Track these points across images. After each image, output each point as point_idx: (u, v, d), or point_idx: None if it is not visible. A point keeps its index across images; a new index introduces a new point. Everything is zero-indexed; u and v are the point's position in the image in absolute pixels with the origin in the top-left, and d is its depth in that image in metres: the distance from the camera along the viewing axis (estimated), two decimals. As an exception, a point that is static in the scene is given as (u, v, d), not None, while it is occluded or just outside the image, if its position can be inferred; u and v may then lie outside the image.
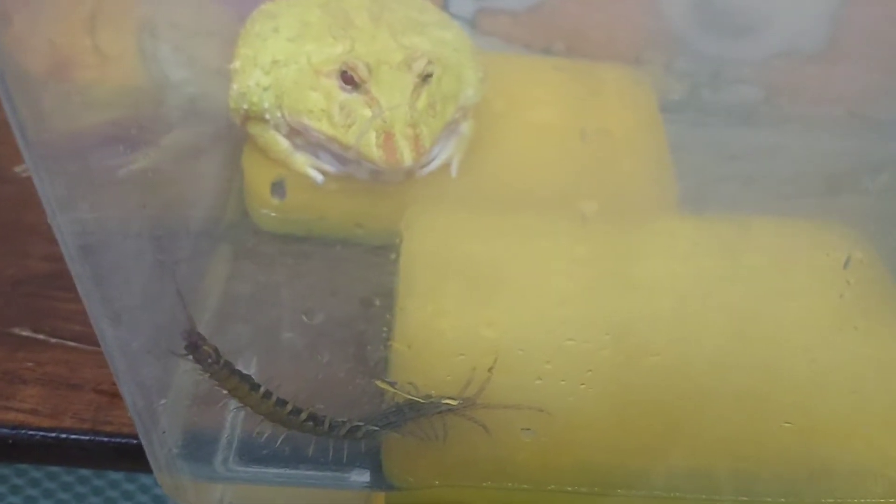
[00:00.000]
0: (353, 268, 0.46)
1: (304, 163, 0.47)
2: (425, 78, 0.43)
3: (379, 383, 0.34)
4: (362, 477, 0.37)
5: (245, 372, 0.31)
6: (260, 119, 0.46)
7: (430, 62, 0.43)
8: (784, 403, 0.35)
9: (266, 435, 0.35)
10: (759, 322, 0.38)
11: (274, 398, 0.31)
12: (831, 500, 0.33)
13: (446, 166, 0.47)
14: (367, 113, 0.42)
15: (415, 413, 0.33)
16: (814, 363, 0.36)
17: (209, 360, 0.29)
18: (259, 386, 0.31)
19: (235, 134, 0.49)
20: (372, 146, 0.42)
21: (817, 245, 0.44)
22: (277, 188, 0.47)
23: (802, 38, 0.60)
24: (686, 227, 0.44)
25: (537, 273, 0.41)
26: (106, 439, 0.43)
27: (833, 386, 0.36)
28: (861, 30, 0.58)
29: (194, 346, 0.29)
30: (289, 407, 0.31)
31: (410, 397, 0.33)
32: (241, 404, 0.31)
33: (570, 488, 0.33)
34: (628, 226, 0.44)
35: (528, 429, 0.33)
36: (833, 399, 0.35)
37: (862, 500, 0.33)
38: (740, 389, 0.35)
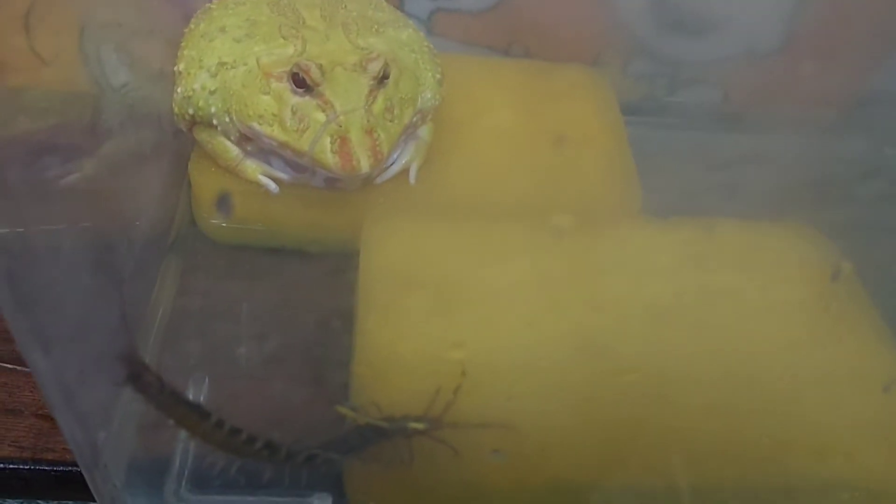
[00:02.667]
0: (310, 280, 0.45)
1: (255, 171, 0.44)
2: (381, 80, 0.41)
3: (339, 409, 0.32)
4: (324, 502, 0.35)
5: (194, 400, 0.28)
6: (207, 125, 0.44)
7: (386, 63, 0.41)
8: (759, 416, 0.34)
9: (220, 463, 0.33)
10: (731, 331, 0.37)
11: (227, 427, 0.29)
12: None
13: (404, 173, 0.46)
14: (321, 117, 0.40)
15: (378, 437, 0.31)
16: (788, 372, 0.36)
17: (153, 390, 0.27)
18: (209, 414, 0.29)
19: (182, 140, 0.47)
20: (327, 152, 0.40)
21: (785, 247, 0.43)
22: (223, 204, 0.45)
23: (759, 37, 0.59)
24: (652, 232, 0.43)
25: (502, 285, 0.39)
26: (48, 468, 0.40)
27: (809, 396, 0.35)
28: (817, 29, 0.58)
29: (136, 375, 0.27)
30: (243, 435, 0.29)
31: (373, 422, 0.31)
32: (190, 435, 0.29)
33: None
34: (594, 233, 0.42)
35: (498, 450, 0.31)
36: (809, 410, 0.34)
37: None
38: (714, 402, 0.34)
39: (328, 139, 0.40)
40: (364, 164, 0.39)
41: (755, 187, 0.51)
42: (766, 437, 0.33)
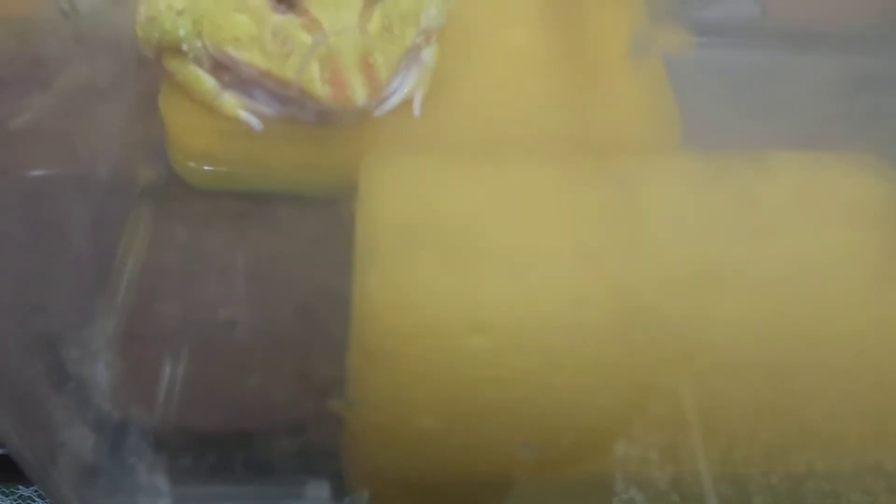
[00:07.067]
0: (302, 230, 0.39)
1: (234, 105, 0.38)
2: (378, -6, 0.35)
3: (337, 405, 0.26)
4: (320, 490, 0.30)
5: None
6: (176, 51, 0.38)
7: (382, -27, 0.35)
8: (838, 382, 0.29)
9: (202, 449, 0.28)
10: (794, 280, 0.32)
11: None
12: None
13: (407, 103, 0.40)
14: (307, 39, 0.34)
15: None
16: (864, 327, 0.30)
17: None
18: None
19: (149, 70, 0.40)
20: (316, 81, 0.34)
21: (848, 181, 0.38)
22: None
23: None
24: (696, 168, 0.37)
25: (525, 237, 0.34)
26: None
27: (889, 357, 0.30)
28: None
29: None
30: None
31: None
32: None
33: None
34: (630, 171, 0.37)
35: (528, 443, 0.26)
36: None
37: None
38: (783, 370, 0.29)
39: (316, 65, 0.34)
40: (360, 95, 0.34)
41: (805, 114, 0.45)
42: (847, 412, 0.28)
